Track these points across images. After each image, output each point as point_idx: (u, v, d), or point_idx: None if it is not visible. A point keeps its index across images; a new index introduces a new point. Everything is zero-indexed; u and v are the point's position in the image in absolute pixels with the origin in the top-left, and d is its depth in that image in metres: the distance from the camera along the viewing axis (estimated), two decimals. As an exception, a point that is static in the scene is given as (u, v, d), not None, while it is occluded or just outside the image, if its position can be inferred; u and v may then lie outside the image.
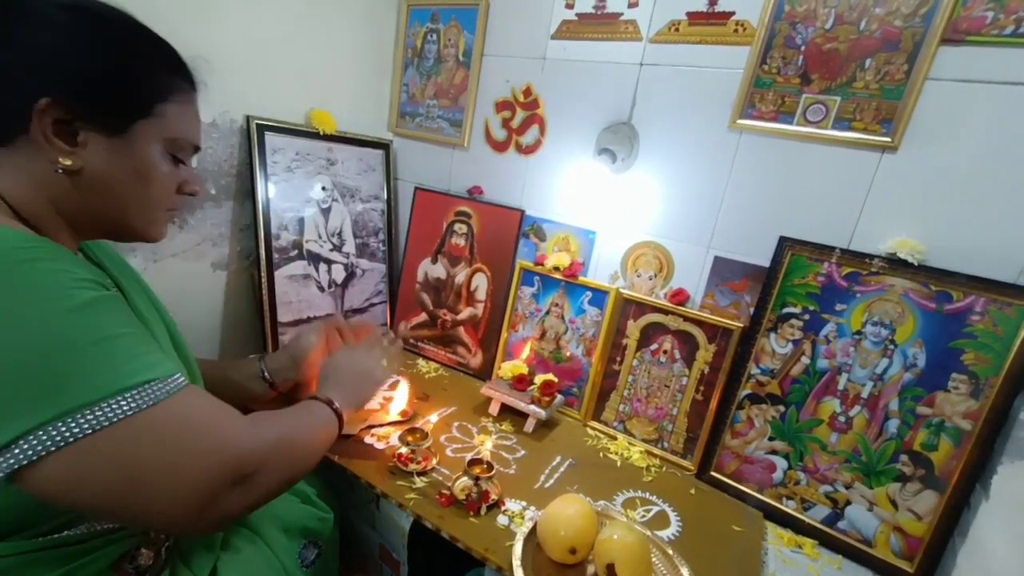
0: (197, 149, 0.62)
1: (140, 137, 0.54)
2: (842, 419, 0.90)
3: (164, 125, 0.55)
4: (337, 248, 1.27)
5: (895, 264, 0.85)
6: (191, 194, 0.63)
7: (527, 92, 1.21)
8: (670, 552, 0.77)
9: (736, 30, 0.96)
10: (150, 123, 0.54)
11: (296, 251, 1.18)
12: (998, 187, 0.80)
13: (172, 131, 0.56)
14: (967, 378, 0.80)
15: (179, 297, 0.75)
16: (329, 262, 1.26)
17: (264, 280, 1.11)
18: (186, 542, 0.65)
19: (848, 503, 0.89)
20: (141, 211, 0.57)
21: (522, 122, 1.23)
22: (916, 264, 0.83)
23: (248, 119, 1.06)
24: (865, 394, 0.88)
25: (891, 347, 0.86)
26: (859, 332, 0.88)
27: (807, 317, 0.92)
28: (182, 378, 0.50)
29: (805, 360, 0.92)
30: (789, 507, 0.94)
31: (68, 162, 0.50)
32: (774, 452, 0.95)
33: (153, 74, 0.55)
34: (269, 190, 1.11)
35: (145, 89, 0.54)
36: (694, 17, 0.99)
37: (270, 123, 1.10)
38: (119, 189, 0.54)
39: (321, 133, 1.20)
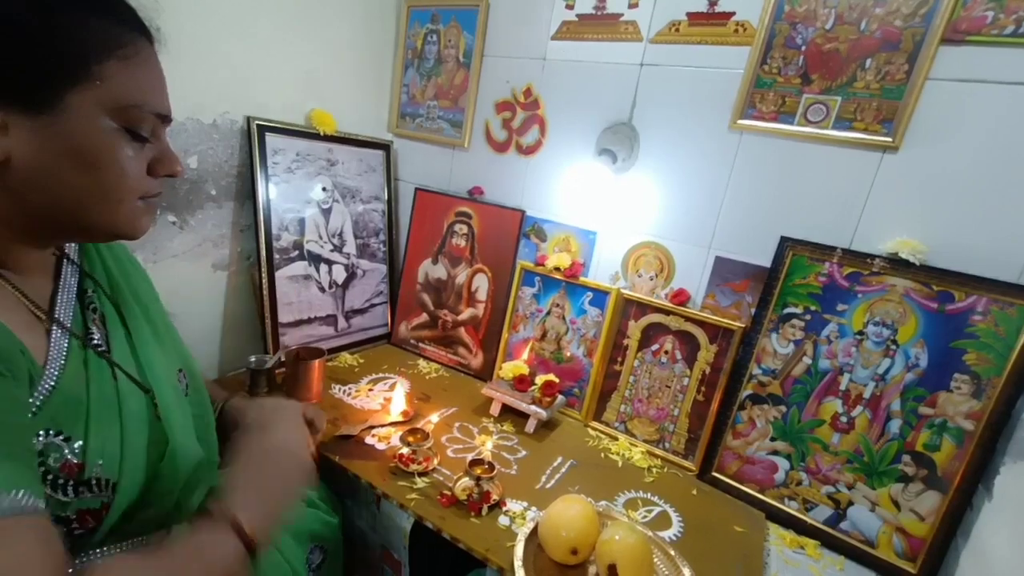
0: (165, 119, 0.49)
1: (75, 110, 0.41)
2: (844, 419, 0.89)
3: (107, 91, 0.43)
4: (338, 249, 1.27)
5: (896, 264, 0.85)
6: (169, 175, 0.50)
7: (527, 93, 1.21)
8: (672, 553, 0.77)
9: (736, 30, 0.96)
10: (85, 90, 0.42)
11: (297, 252, 1.18)
12: (999, 187, 0.80)
13: (119, 97, 0.44)
14: (969, 378, 0.80)
15: (179, 298, 0.75)
16: (330, 263, 1.25)
17: (265, 281, 1.11)
18: None
19: (850, 504, 0.89)
20: (100, 204, 0.45)
21: (522, 123, 1.23)
22: (917, 264, 0.83)
23: (249, 120, 1.06)
24: (867, 394, 0.88)
25: (893, 347, 0.85)
26: (861, 332, 0.88)
27: (808, 317, 0.92)
28: (22, 497, 0.37)
29: (807, 360, 0.92)
30: (791, 508, 0.93)
31: None
32: (776, 453, 0.95)
33: (80, 23, 0.42)
34: (270, 191, 1.11)
35: (71, 45, 0.41)
36: (694, 18, 0.99)
37: (271, 124, 1.10)
38: (62, 180, 0.43)
39: (322, 134, 1.20)
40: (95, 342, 0.53)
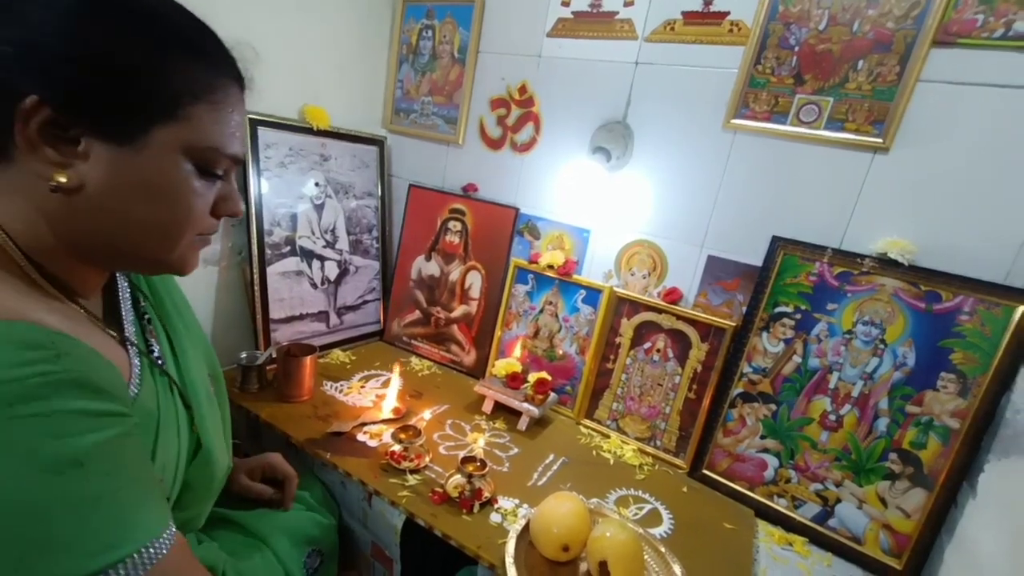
0: (238, 161, 0.49)
1: (157, 146, 0.42)
2: (833, 418, 0.90)
3: (191, 131, 0.43)
4: (330, 245, 1.27)
5: (886, 264, 0.86)
6: (231, 215, 0.50)
7: (522, 90, 1.21)
8: (662, 550, 0.77)
9: (731, 30, 0.96)
10: (172, 128, 0.42)
11: (289, 247, 1.17)
12: (987, 188, 0.80)
13: (202, 139, 0.44)
14: (955, 377, 0.81)
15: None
16: (322, 259, 1.25)
17: (256, 276, 1.10)
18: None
19: (838, 501, 0.90)
20: (162, 237, 0.45)
21: (517, 120, 1.23)
22: (906, 264, 0.84)
23: (240, 114, 1.05)
24: (855, 393, 0.88)
25: (881, 346, 0.86)
26: (850, 331, 0.89)
27: (799, 316, 0.93)
28: (168, 535, 0.41)
29: (797, 359, 0.93)
30: (780, 505, 0.94)
31: (63, 178, 0.39)
32: (765, 450, 0.96)
33: (181, 66, 0.42)
34: (262, 185, 1.10)
35: (168, 85, 0.42)
36: (689, 17, 0.99)
37: (263, 118, 1.09)
38: (131, 211, 0.43)
39: (315, 129, 1.19)
40: (155, 355, 0.54)
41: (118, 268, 0.52)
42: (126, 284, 0.55)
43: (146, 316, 0.55)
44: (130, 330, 0.51)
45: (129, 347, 0.50)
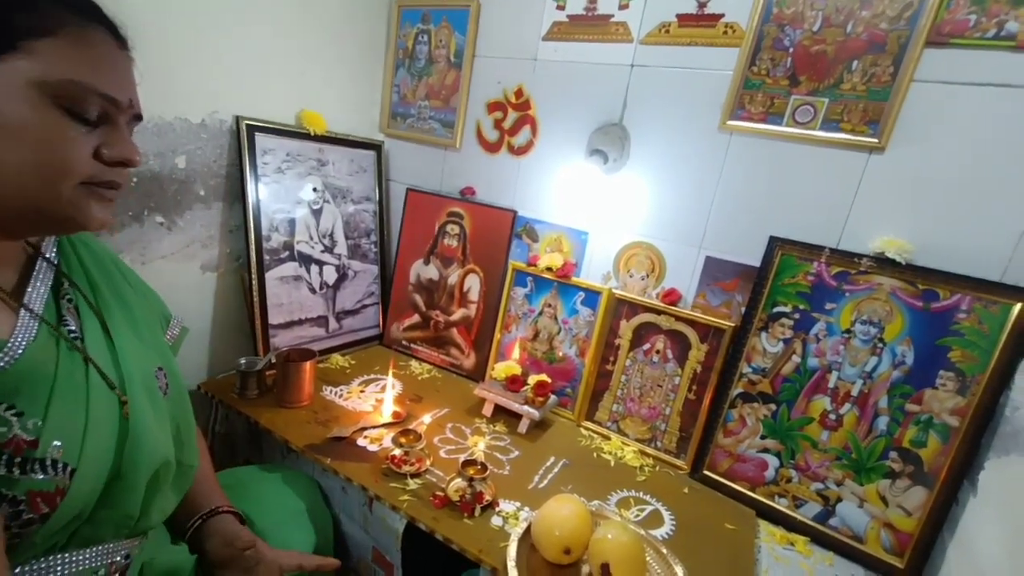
0: (119, 105, 0.47)
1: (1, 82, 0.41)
2: (833, 417, 0.90)
3: (41, 65, 0.42)
4: (328, 249, 1.27)
5: (883, 263, 0.86)
6: (121, 163, 0.48)
7: (519, 93, 1.21)
8: (664, 551, 0.77)
9: (725, 32, 0.97)
10: (14, 62, 0.42)
11: (287, 252, 1.17)
12: (982, 187, 0.81)
13: (53, 72, 0.43)
14: (954, 375, 0.81)
15: (168, 300, 0.74)
16: (321, 263, 1.25)
17: (255, 282, 1.10)
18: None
19: (839, 500, 0.90)
20: (38, 184, 0.44)
21: (514, 123, 1.23)
22: (903, 263, 0.84)
23: (238, 119, 1.05)
24: (855, 392, 0.89)
25: (880, 345, 0.87)
26: (848, 331, 0.89)
27: (797, 316, 0.93)
28: None
29: (796, 359, 0.93)
30: (781, 505, 0.94)
31: None
32: (766, 450, 0.96)
33: (20, 4, 0.42)
34: (259, 191, 1.10)
35: (6, 19, 0.42)
36: (684, 19, 1.00)
37: (260, 124, 1.09)
38: None
39: (312, 134, 1.19)
40: (69, 328, 0.53)
41: (28, 231, 0.51)
42: (51, 268, 0.55)
43: (67, 297, 0.55)
44: (35, 303, 0.51)
45: (25, 313, 0.50)
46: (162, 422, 0.58)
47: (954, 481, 0.81)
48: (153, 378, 0.59)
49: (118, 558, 0.55)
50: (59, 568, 0.50)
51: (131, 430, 0.53)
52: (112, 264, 0.63)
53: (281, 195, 1.15)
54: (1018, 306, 0.77)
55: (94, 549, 0.53)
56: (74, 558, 0.51)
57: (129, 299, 0.62)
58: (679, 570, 0.74)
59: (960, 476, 0.80)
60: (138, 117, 0.52)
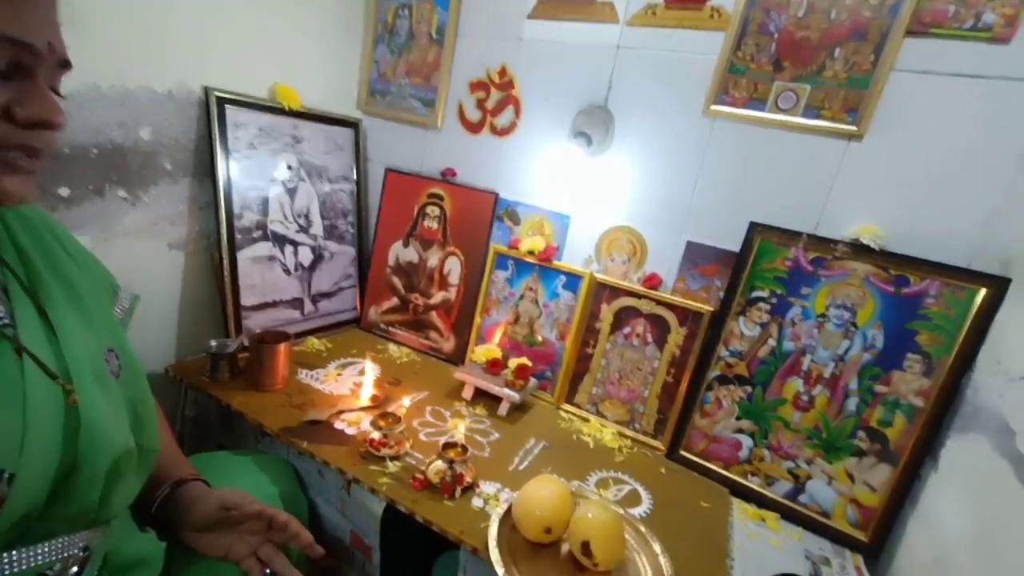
0: (28, 48, 0.39)
1: None
2: (805, 398, 0.93)
3: None
4: (304, 230, 1.23)
5: (858, 249, 0.88)
6: (39, 124, 0.41)
7: (502, 72, 1.19)
8: (642, 529, 0.78)
9: (712, 15, 0.96)
10: None
11: (260, 232, 1.13)
12: (953, 176, 0.83)
13: None
14: (921, 358, 0.84)
15: (132, 277, 0.69)
16: (295, 244, 1.21)
17: (226, 262, 1.06)
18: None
19: (809, 478, 0.93)
20: None
21: (497, 103, 1.21)
22: (877, 249, 0.86)
23: (207, 91, 1.00)
24: (827, 374, 0.91)
25: (852, 329, 0.89)
26: (823, 315, 0.91)
27: (774, 301, 0.95)
28: None
29: (772, 342, 0.95)
30: (754, 483, 0.97)
31: None
32: (741, 431, 0.98)
33: None
34: (230, 167, 1.05)
35: None
36: (671, 1, 0.99)
37: (231, 96, 1.04)
38: None
39: (286, 109, 1.14)
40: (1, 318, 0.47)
41: None
42: None
43: None
44: None
45: None
46: (117, 408, 0.53)
47: (917, 458, 0.84)
48: (102, 361, 0.53)
49: (75, 551, 0.50)
50: (6, 568, 0.45)
51: (83, 422, 0.48)
52: (49, 234, 0.55)
53: (254, 172, 1.10)
54: (983, 291, 0.80)
55: (48, 544, 0.48)
56: (24, 555, 0.46)
57: (71, 274, 0.55)
58: (656, 547, 0.75)
59: (923, 454, 0.84)
60: (65, 64, 0.43)
